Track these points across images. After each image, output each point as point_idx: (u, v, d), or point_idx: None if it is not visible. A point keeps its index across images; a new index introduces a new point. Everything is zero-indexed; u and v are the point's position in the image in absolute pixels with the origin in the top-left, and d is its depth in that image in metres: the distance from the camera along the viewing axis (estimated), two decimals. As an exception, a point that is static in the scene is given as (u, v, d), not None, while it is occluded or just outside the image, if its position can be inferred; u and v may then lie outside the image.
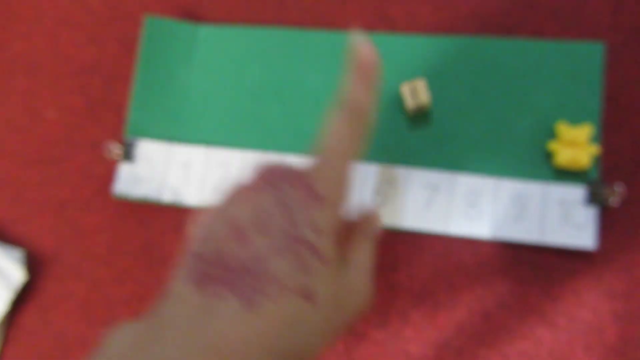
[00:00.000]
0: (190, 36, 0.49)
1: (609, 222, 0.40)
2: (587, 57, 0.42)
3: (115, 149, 0.47)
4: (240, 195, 0.27)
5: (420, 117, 0.44)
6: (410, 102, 0.42)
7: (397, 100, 0.44)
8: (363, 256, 0.30)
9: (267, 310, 0.23)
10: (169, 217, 0.47)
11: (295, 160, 0.41)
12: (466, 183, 0.42)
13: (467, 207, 0.42)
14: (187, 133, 0.47)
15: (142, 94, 0.48)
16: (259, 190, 0.26)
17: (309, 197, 0.26)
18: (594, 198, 0.40)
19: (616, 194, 0.39)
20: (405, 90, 0.42)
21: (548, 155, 0.41)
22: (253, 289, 0.23)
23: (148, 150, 0.47)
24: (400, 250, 0.42)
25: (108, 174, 0.48)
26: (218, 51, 0.48)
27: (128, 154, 0.47)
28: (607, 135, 0.41)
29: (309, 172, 0.27)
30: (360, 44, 0.30)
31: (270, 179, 0.27)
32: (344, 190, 0.28)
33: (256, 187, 0.27)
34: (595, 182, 0.40)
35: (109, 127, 0.49)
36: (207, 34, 0.49)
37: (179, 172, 0.46)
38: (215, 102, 0.47)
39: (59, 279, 0.48)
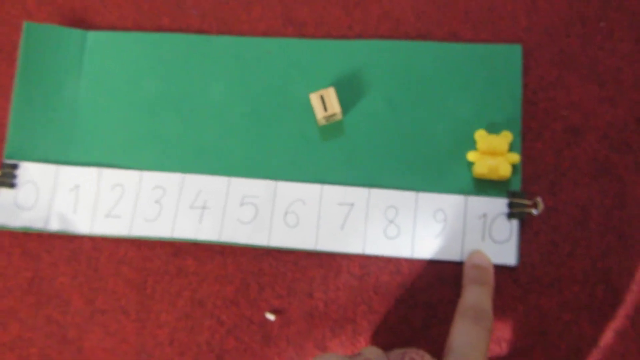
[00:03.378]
0: (77, 44, 0.43)
1: (533, 232, 0.38)
2: (505, 60, 0.40)
3: (-8, 174, 0.41)
4: None
5: (332, 128, 0.41)
6: (320, 112, 0.39)
7: (308, 111, 0.41)
8: None
9: None
10: (60, 246, 0.41)
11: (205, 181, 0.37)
12: (383, 199, 0.39)
13: (385, 224, 0.39)
14: (76, 153, 0.42)
15: (23, 110, 0.42)
16: None
17: None
18: (514, 213, 0.37)
19: (537, 205, 0.37)
20: (315, 99, 0.39)
21: (469, 166, 0.39)
22: None
23: (31, 174, 0.42)
24: (316, 274, 0.39)
25: (-14, 202, 0.42)
26: (109, 60, 0.43)
27: (7, 180, 0.41)
28: (527, 142, 0.39)
29: None
30: (475, 254, 0.37)
31: None
32: None
33: None
34: (515, 194, 0.38)
35: (-14, 148, 0.44)
36: (96, 40, 0.43)
37: (68, 197, 0.41)
38: (108, 118, 0.42)
39: None
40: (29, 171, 0.42)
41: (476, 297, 0.34)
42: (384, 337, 0.38)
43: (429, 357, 0.28)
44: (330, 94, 0.39)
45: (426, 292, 0.38)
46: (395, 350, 0.31)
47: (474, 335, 0.32)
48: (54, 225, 0.41)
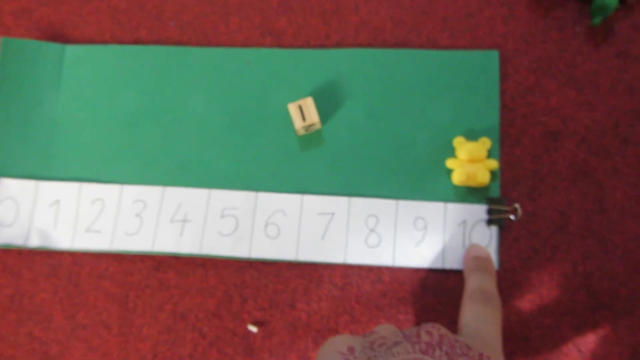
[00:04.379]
0: (55, 58, 0.43)
1: (513, 237, 0.38)
2: (483, 66, 0.40)
3: (-29, 191, 0.41)
4: (407, 349, 0.26)
5: (311, 137, 0.41)
6: (298, 122, 0.39)
7: (286, 121, 0.41)
8: None
9: None
10: (41, 262, 0.41)
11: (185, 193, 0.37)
12: (364, 207, 0.39)
13: (366, 233, 0.38)
14: (55, 168, 0.42)
15: (1, 125, 0.42)
16: (432, 355, 0.26)
17: None
18: (493, 220, 0.37)
19: (516, 212, 0.37)
20: (293, 109, 0.39)
21: (449, 173, 0.39)
22: None
23: (11, 190, 0.41)
24: (298, 285, 0.39)
25: (-34, 218, 0.42)
26: (88, 74, 0.43)
27: (-14, 196, 0.41)
28: (506, 148, 0.39)
29: (482, 353, 0.27)
30: (473, 247, 0.37)
31: (443, 346, 0.27)
32: None
33: (428, 349, 0.27)
34: (494, 200, 0.38)
35: (-35, 164, 0.43)
36: (74, 54, 0.43)
37: (48, 212, 0.41)
38: (87, 132, 0.42)
39: None
40: (8, 187, 0.41)
41: (480, 281, 0.34)
42: (368, 346, 0.38)
43: (445, 329, 0.28)
44: (309, 104, 0.39)
45: (408, 301, 0.38)
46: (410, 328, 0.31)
47: (485, 312, 0.31)
48: (35, 242, 0.40)
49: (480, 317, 0.31)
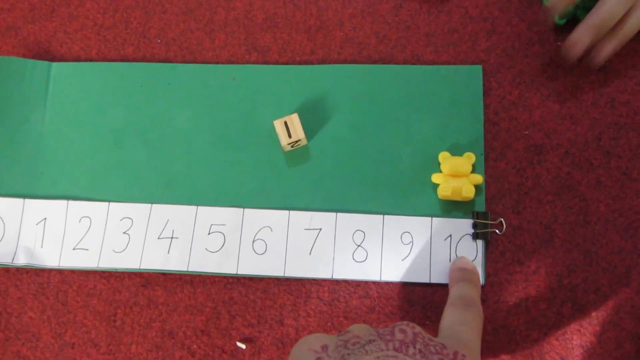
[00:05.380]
0: (42, 75, 0.43)
1: (499, 251, 0.38)
2: (466, 80, 0.41)
3: (-43, 210, 0.41)
4: (380, 347, 0.27)
5: (297, 153, 0.41)
6: (284, 139, 0.39)
7: (272, 137, 0.41)
8: None
9: None
10: (28, 280, 0.41)
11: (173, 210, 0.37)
12: (350, 223, 0.39)
13: (353, 248, 0.39)
14: (42, 186, 0.42)
15: (-13, 144, 0.42)
16: (405, 352, 0.27)
17: None
18: (478, 234, 0.38)
19: (501, 226, 0.37)
20: (278, 126, 0.39)
21: (434, 188, 0.39)
22: None
23: (-3, 208, 0.41)
24: (286, 301, 0.39)
25: (-48, 238, 0.42)
26: (74, 91, 0.43)
27: (-28, 215, 0.41)
28: (490, 162, 0.40)
29: (457, 350, 0.28)
30: (459, 260, 0.37)
31: (417, 344, 0.27)
32: None
33: (401, 347, 0.27)
34: (480, 214, 0.38)
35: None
36: (60, 71, 0.43)
37: (35, 231, 0.41)
38: (74, 149, 0.42)
39: None
40: (-6, 206, 0.41)
41: (463, 290, 0.34)
42: (356, 361, 0.38)
43: (419, 328, 0.28)
44: (294, 121, 0.39)
45: (396, 315, 0.38)
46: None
47: (465, 316, 0.32)
48: (22, 260, 0.40)
49: (459, 320, 0.31)
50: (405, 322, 0.28)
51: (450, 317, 0.32)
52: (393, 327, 0.28)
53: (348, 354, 0.26)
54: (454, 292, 0.34)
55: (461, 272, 0.36)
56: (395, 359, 0.26)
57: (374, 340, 0.27)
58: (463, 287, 0.35)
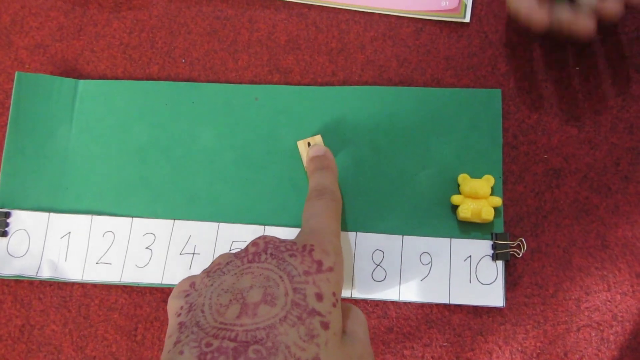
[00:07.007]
0: (68, 92, 0.44)
1: (517, 274, 0.39)
2: (486, 104, 0.41)
3: (-16, 223, 0.42)
4: (237, 265, 0.27)
5: (319, 173, 0.41)
6: (307, 160, 0.40)
7: (294, 156, 0.41)
8: (360, 328, 0.28)
9: None
10: (51, 293, 0.42)
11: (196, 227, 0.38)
12: (369, 243, 0.40)
13: (372, 268, 0.39)
14: (67, 201, 0.43)
15: (14, 158, 0.43)
16: (258, 261, 0.27)
17: (312, 266, 0.27)
18: (498, 255, 0.38)
19: (521, 246, 0.38)
20: (302, 147, 0.40)
21: (453, 209, 0.40)
22: (262, 359, 0.22)
23: (23, 222, 0.42)
24: (305, 319, 0.39)
25: (-22, 250, 0.43)
26: (100, 108, 0.44)
27: (-1, 228, 0.42)
28: (509, 185, 0.40)
29: (305, 243, 0.28)
30: (311, 148, 0.38)
31: (268, 250, 0.27)
32: (342, 261, 0.29)
33: (254, 258, 0.27)
34: (499, 236, 0.39)
35: (-21, 196, 0.44)
36: (87, 89, 0.44)
37: (59, 244, 0.42)
38: (98, 165, 0.43)
39: None
40: (20, 219, 0.42)
41: (317, 180, 0.36)
42: (373, 381, 0.38)
43: (272, 236, 0.29)
44: (317, 142, 0.40)
45: (414, 336, 0.39)
46: None
47: (318, 206, 0.33)
48: (46, 273, 0.41)
49: (313, 213, 0.32)
50: (259, 236, 0.29)
51: (305, 212, 0.33)
52: (247, 244, 0.29)
53: (211, 283, 0.27)
54: (310, 184, 0.36)
55: (314, 161, 0.38)
56: (249, 269, 0.27)
57: (231, 261, 0.28)
58: (317, 176, 0.36)
